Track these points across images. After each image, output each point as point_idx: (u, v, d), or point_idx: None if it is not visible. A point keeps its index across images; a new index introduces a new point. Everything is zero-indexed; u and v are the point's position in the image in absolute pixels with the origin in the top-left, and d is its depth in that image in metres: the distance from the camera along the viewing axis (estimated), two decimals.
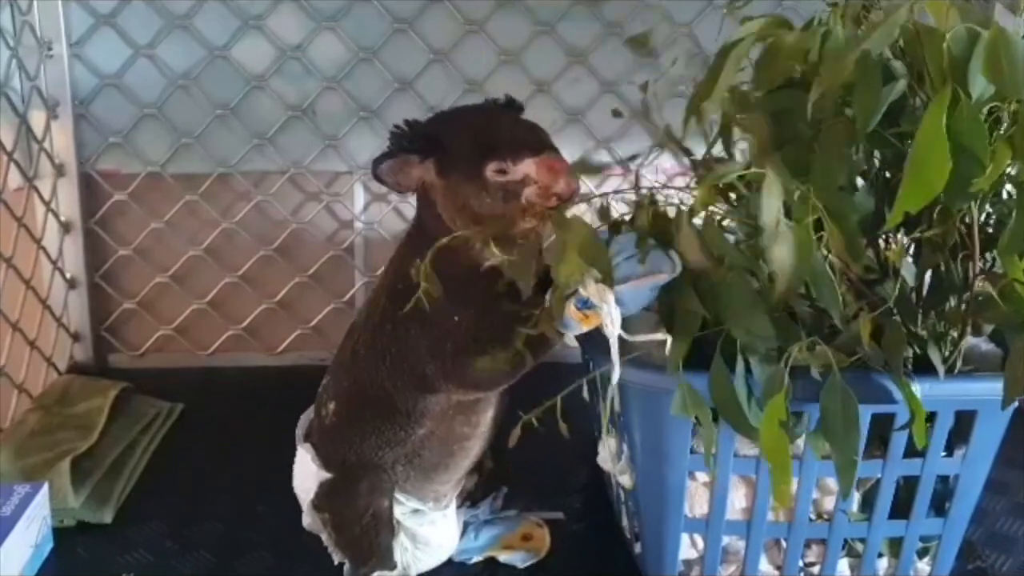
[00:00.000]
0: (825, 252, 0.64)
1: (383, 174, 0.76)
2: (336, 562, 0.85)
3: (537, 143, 0.75)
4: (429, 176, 0.76)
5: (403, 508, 0.83)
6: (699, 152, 0.77)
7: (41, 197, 1.17)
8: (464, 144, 0.75)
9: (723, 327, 0.68)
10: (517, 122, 0.78)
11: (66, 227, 1.22)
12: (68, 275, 1.23)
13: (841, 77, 0.60)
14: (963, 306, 0.69)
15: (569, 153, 1.24)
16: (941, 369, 0.69)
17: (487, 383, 0.79)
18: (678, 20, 1.21)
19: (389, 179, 0.76)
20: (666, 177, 1.27)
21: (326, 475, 0.82)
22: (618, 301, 0.68)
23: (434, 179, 0.76)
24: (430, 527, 0.84)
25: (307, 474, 0.84)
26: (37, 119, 1.16)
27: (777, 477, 0.66)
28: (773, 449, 0.65)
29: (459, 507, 0.90)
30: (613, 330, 0.68)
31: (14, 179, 1.10)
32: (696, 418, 0.69)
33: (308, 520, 0.86)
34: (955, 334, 0.70)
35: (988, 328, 0.72)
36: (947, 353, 0.70)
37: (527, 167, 0.74)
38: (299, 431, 0.88)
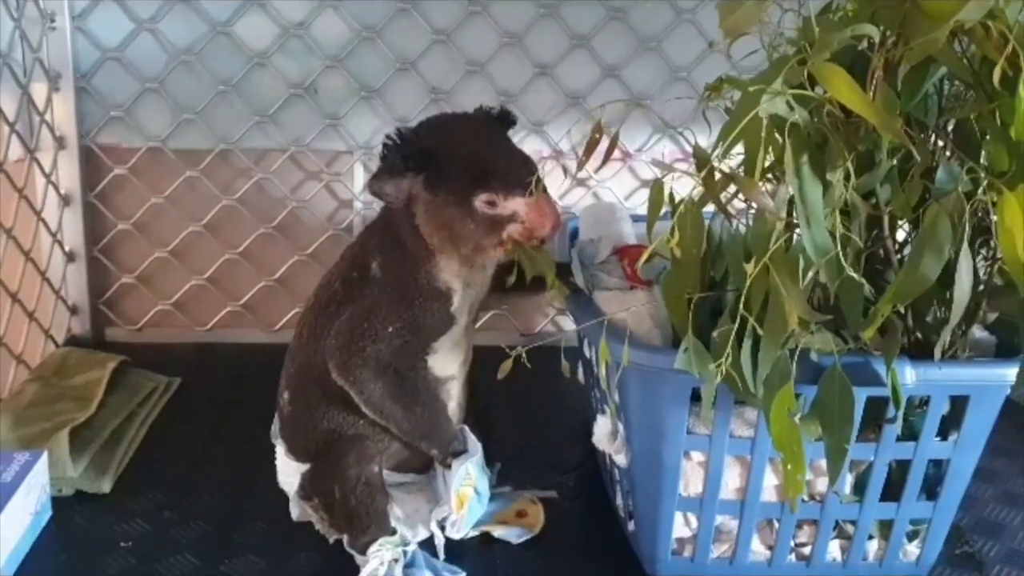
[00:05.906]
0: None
1: (383, 192, 0.77)
2: (332, 540, 0.85)
3: (531, 182, 0.74)
4: (416, 188, 0.76)
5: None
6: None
7: (42, 169, 1.17)
8: (458, 167, 0.75)
9: (728, 290, 0.68)
10: (512, 153, 0.78)
11: (66, 200, 1.22)
12: (67, 248, 1.23)
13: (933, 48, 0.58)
14: (979, 294, 0.70)
15: (567, 139, 1.26)
16: (938, 355, 0.70)
17: (366, 391, 0.80)
18: (680, 7, 1.21)
19: (390, 196, 0.77)
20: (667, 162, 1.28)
21: (305, 465, 0.84)
22: None
23: (420, 191, 0.76)
24: (419, 494, 0.86)
25: (288, 468, 0.86)
26: (39, 91, 1.16)
27: (792, 468, 0.66)
28: (785, 440, 0.65)
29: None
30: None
31: (15, 150, 1.10)
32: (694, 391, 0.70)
33: (297, 511, 0.87)
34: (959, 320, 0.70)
35: (991, 316, 0.72)
36: (949, 340, 0.71)
37: (517, 204, 0.75)
38: (273, 428, 0.89)
